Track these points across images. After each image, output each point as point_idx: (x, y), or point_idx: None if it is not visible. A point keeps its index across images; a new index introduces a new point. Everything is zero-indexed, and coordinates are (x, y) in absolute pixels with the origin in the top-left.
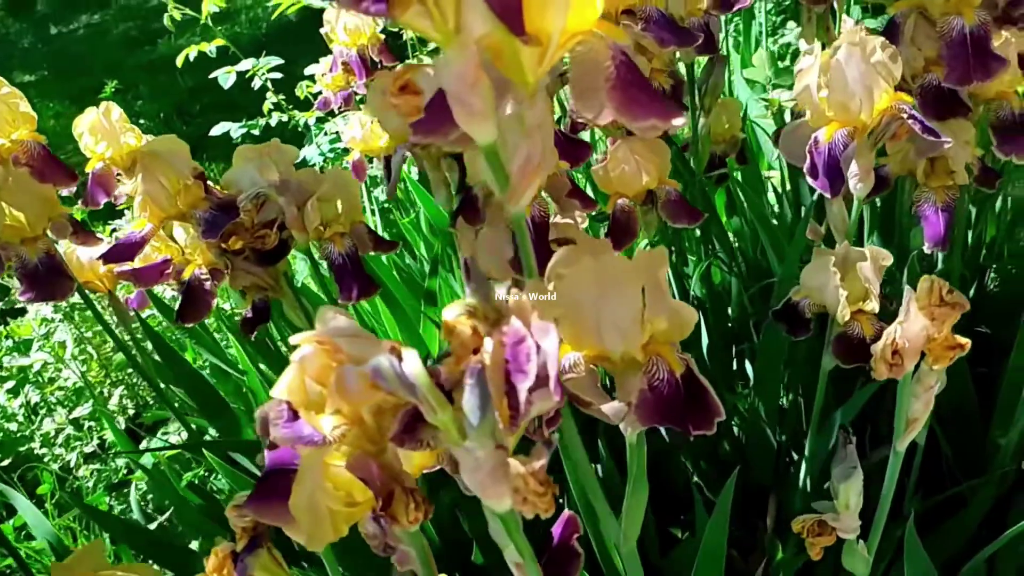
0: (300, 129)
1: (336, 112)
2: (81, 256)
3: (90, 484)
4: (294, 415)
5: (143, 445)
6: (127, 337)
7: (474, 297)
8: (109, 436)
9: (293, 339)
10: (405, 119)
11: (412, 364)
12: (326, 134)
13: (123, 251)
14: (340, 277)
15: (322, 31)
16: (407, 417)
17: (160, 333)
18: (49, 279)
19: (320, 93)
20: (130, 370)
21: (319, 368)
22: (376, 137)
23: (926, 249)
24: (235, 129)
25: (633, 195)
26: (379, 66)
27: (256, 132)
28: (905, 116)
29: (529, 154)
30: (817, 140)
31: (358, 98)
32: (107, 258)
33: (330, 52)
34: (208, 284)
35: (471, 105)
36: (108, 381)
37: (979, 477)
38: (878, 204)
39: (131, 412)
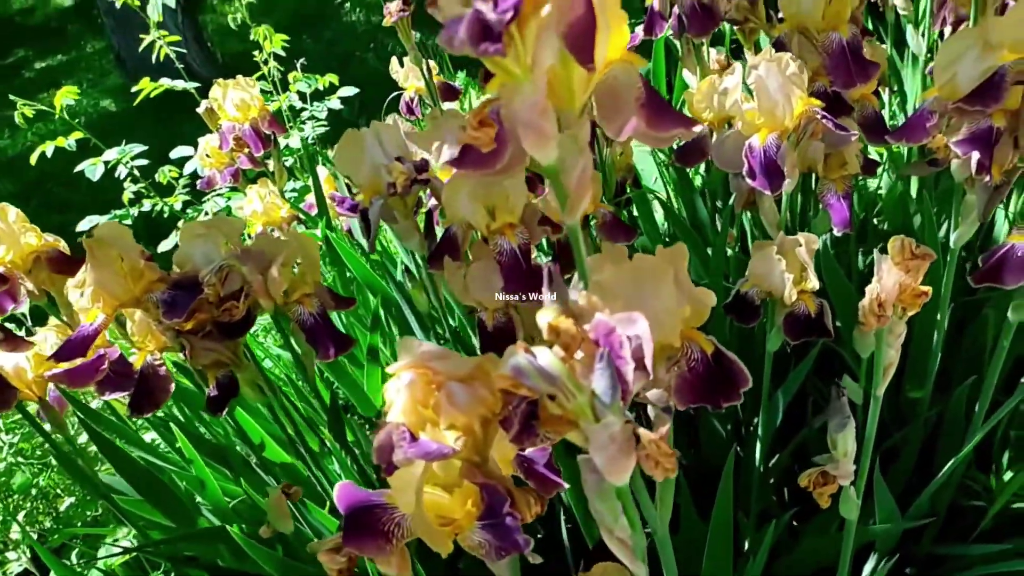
0: (166, 216)
1: (219, 189)
2: (5, 364)
3: None
4: (413, 436)
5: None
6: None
7: (557, 302)
8: (14, 569)
9: (390, 368)
10: (484, 148)
11: (546, 357)
12: (207, 214)
13: (76, 347)
14: (315, 337)
15: (199, 110)
16: (523, 417)
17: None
18: None
19: (187, 174)
20: (24, 496)
21: (421, 391)
22: (276, 208)
23: (836, 232)
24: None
25: None
26: (272, 138)
27: (128, 222)
28: (819, 116)
29: (584, 168)
30: (752, 146)
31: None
32: (59, 356)
33: (183, 137)
34: (163, 370)
35: (542, 129)
36: (11, 505)
37: (902, 429)
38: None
39: (33, 536)
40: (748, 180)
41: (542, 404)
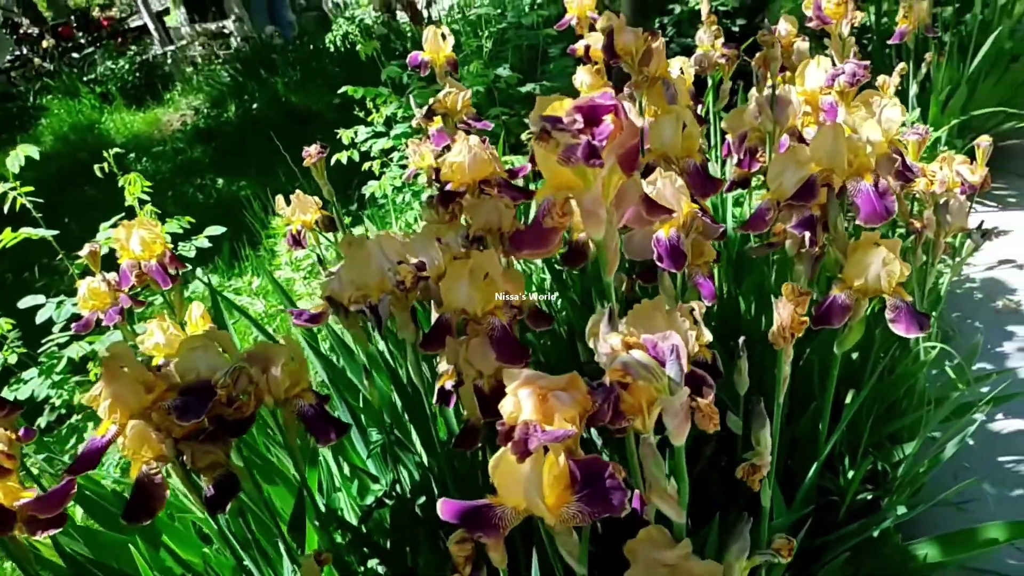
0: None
1: (113, 326)
2: None
3: None
4: (542, 428)
5: None
6: None
7: (612, 332)
8: None
9: (508, 389)
10: (561, 230)
11: (641, 355)
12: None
13: (89, 460)
14: (316, 425)
15: (83, 252)
16: (614, 407)
17: None
18: None
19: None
20: None
21: (537, 399)
22: (179, 340)
23: (707, 303)
24: None
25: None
26: (176, 274)
27: None
28: (700, 215)
29: (616, 242)
30: (659, 238)
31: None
32: (74, 470)
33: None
34: (158, 479)
35: (600, 215)
36: None
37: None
38: None
39: None
40: (658, 263)
41: (622, 397)
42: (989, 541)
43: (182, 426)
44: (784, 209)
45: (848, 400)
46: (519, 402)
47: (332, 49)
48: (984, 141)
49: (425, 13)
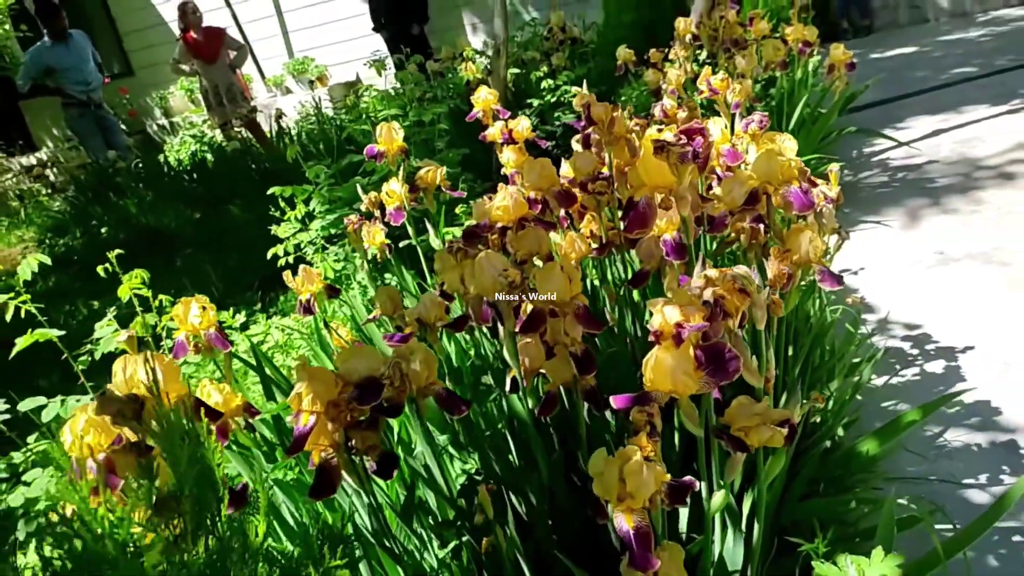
0: None
1: None
2: None
3: None
4: (689, 324)
5: None
6: None
7: (705, 269)
8: None
9: (655, 308)
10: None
11: (740, 269)
12: None
13: (299, 443)
14: (451, 403)
15: (121, 338)
16: (721, 310)
17: None
18: None
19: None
20: None
21: (679, 310)
22: (233, 399)
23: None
24: None
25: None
26: (228, 338)
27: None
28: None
29: (694, 219)
30: (665, 239)
31: None
32: (290, 452)
33: None
34: (334, 462)
35: (688, 199)
36: None
37: None
38: None
39: None
40: (666, 258)
41: (724, 303)
42: (910, 423)
43: (357, 414)
44: (737, 214)
45: (790, 353)
46: (666, 315)
47: (179, 167)
48: (835, 167)
49: (275, 127)
